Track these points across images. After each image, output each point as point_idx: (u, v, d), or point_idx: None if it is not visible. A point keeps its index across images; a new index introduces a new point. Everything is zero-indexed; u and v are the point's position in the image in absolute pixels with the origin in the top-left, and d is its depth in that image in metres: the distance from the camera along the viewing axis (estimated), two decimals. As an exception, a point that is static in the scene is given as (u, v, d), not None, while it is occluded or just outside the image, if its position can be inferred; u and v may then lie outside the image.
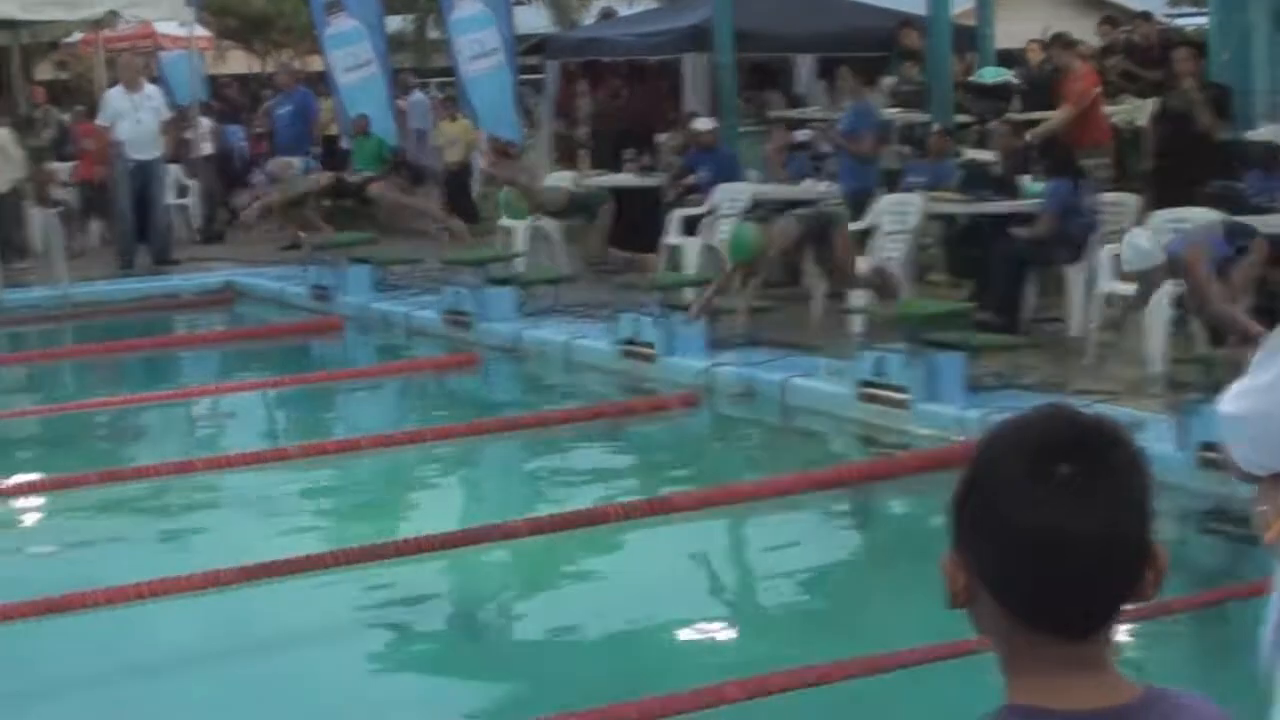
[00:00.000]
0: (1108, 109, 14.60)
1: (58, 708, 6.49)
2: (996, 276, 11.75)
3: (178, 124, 20.09)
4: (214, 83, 26.83)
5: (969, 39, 17.13)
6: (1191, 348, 9.66)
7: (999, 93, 15.77)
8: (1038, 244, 11.69)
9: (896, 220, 12.75)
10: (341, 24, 21.13)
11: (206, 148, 21.49)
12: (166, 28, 24.18)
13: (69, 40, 24.77)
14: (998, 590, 1.88)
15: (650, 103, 19.39)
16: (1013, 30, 19.15)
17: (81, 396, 12.79)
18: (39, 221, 18.97)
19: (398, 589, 7.83)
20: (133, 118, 18.39)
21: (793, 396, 10.79)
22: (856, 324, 11.94)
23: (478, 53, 19.25)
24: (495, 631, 7.63)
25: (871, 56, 17.69)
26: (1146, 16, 18.86)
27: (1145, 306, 9.87)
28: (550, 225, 16.21)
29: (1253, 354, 3.16)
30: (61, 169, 20.63)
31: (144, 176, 18.40)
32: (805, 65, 20.66)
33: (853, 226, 13.23)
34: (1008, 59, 17.25)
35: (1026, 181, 12.86)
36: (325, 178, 15.15)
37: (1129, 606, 1.88)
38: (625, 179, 16.92)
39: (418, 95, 23.15)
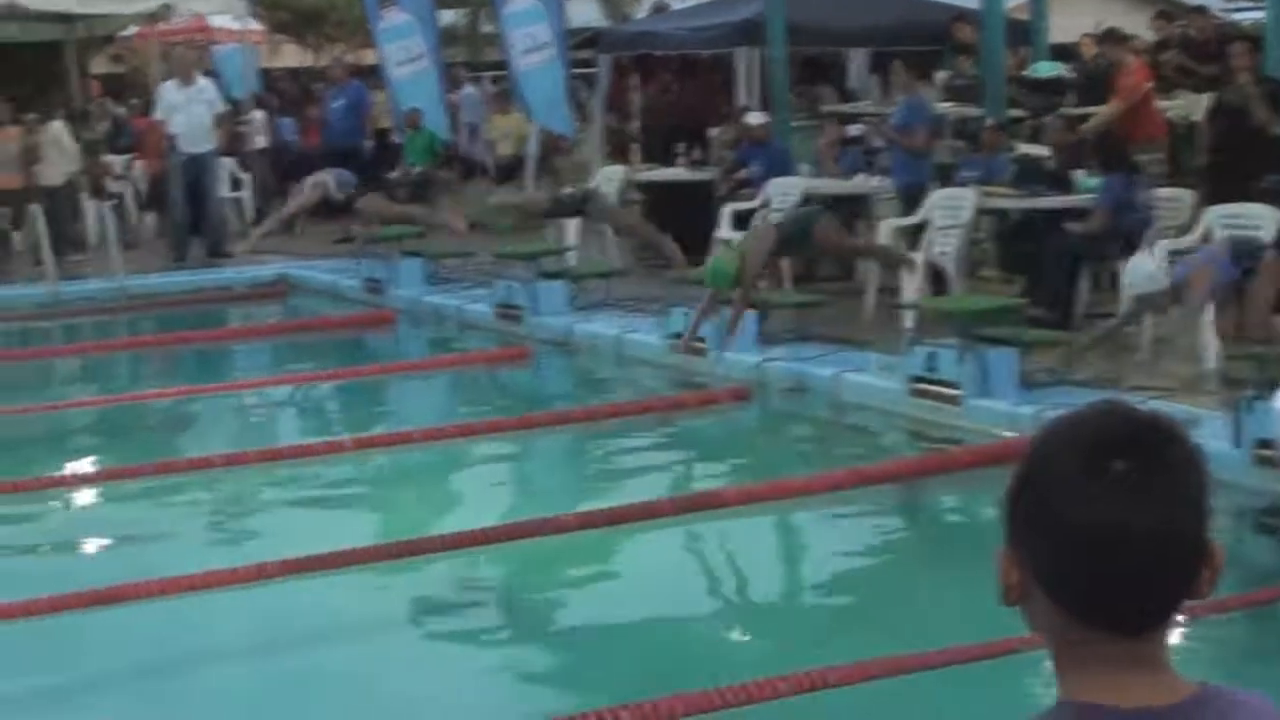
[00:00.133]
0: (1162, 104, 14.51)
1: (106, 699, 6.52)
2: (1049, 272, 11.70)
3: (231, 117, 20.18)
4: (268, 76, 26.93)
5: (1022, 33, 17.04)
6: (1246, 344, 9.58)
7: (1052, 87, 15.70)
8: (1091, 239, 11.64)
9: (949, 215, 12.70)
10: (394, 18, 21.14)
11: (260, 141, 21.60)
12: (220, 21, 24.31)
13: (124, 34, 24.88)
14: (1052, 587, 1.86)
15: (702, 97, 19.35)
16: (1066, 24, 19.04)
17: (135, 388, 12.87)
18: (94, 214, 19.10)
19: (448, 582, 7.86)
20: (186, 111, 18.49)
21: (844, 392, 10.77)
22: (908, 319, 11.90)
23: (530, 47, 19.24)
24: (543, 625, 7.62)
25: (924, 51, 17.62)
26: (1202, 10, 18.74)
27: (1134, 327, 9.61)
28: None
29: None
30: (116, 162, 20.74)
31: (197, 169, 18.50)
32: (858, 59, 20.60)
33: (904, 221, 13.21)
34: (1062, 53, 17.17)
35: (1080, 177, 12.80)
36: (313, 195, 14.96)
37: (1184, 604, 1.87)
38: (676, 173, 16.92)
39: (469, 89, 23.20)
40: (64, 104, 20.79)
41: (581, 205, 11.27)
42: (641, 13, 24.27)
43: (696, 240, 15.02)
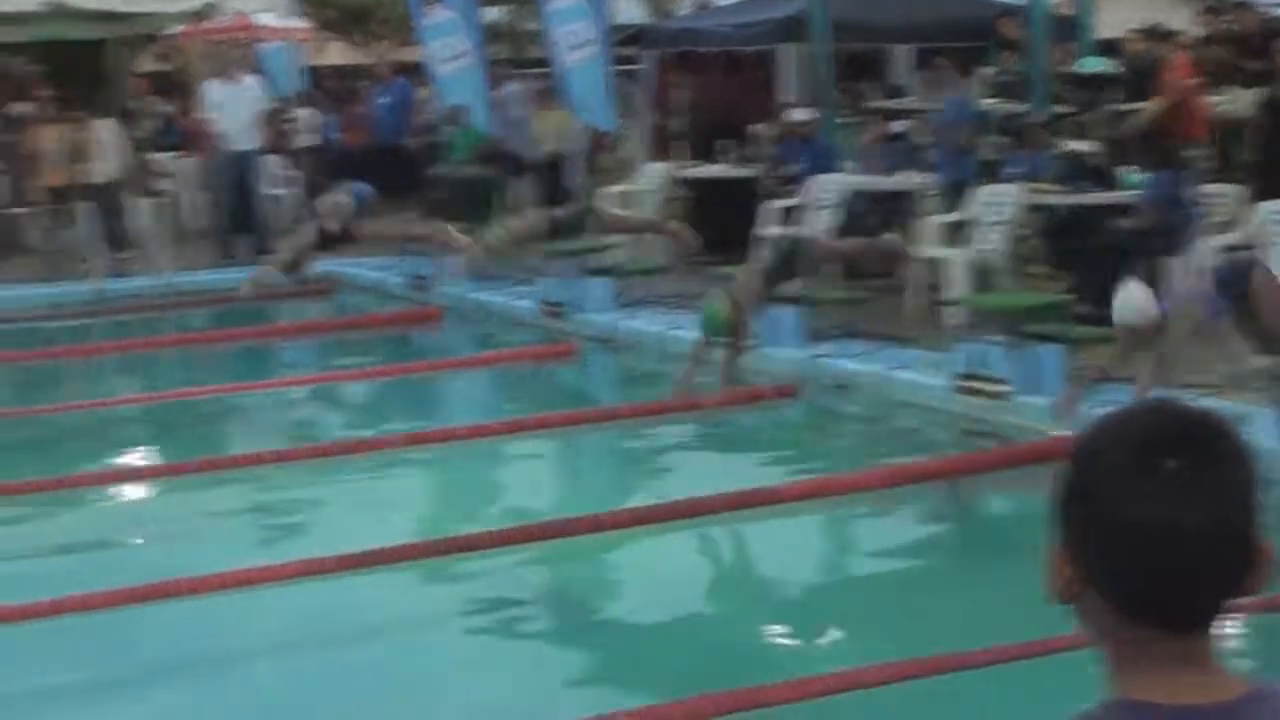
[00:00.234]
0: (1210, 99, 14.44)
1: (155, 693, 6.56)
2: (1096, 268, 11.66)
3: (276, 115, 20.26)
4: (314, 74, 27.00)
5: (1068, 29, 16.97)
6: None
7: (1098, 83, 15.64)
8: (1138, 235, 11.60)
9: (994, 212, 12.68)
10: (438, 15, 21.17)
11: (308, 139, 21.67)
12: (265, 19, 24.39)
13: (169, 33, 24.98)
14: (1103, 585, 1.87)
15: (746, 93, 19.36)
16: (1112, 20, 18.94)
17: (182, 384, 12.92)
18: (141, 212, 19.19)
19: (495, 579, 7.87)
20: (231, 109, 18.58)
21: (890, 389, 10.77)
22: (954, 316, 11.88)
23: (574, 44, 19.25)
24: (591, 622, 7.63)
25: (969, 47, 17.59)
26: (1247, 5, 18.62)
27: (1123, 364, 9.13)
28: (649, 215, 16.21)
29: None
30: (164, 160, 20.84)
31: (243, 167, 18.58)
32: (901, 56, 20.57)
33: (949, 218, 13.18)
34: (1108, 48, 17.10)
35: (1126, 173, 12.75)
36: (312, 234, 14.67)
37: (1235, 601, 1.87)
38: (720, 170, 16.93)
39: (513, 86, 23.18)
40: (111, 102, 20.90)
41: (581, 221, 11.16)
42: (685, 9, 24.25)
43: (739, 237, 15.01)
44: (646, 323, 13.16)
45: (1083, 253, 11.97)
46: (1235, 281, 8.80)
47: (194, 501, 9.53)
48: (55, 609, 7.00)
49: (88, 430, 11.60)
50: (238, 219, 18.81)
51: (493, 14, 26.53)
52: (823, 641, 7.19)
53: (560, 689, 6.61)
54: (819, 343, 11.65)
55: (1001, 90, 16.53)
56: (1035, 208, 13.01)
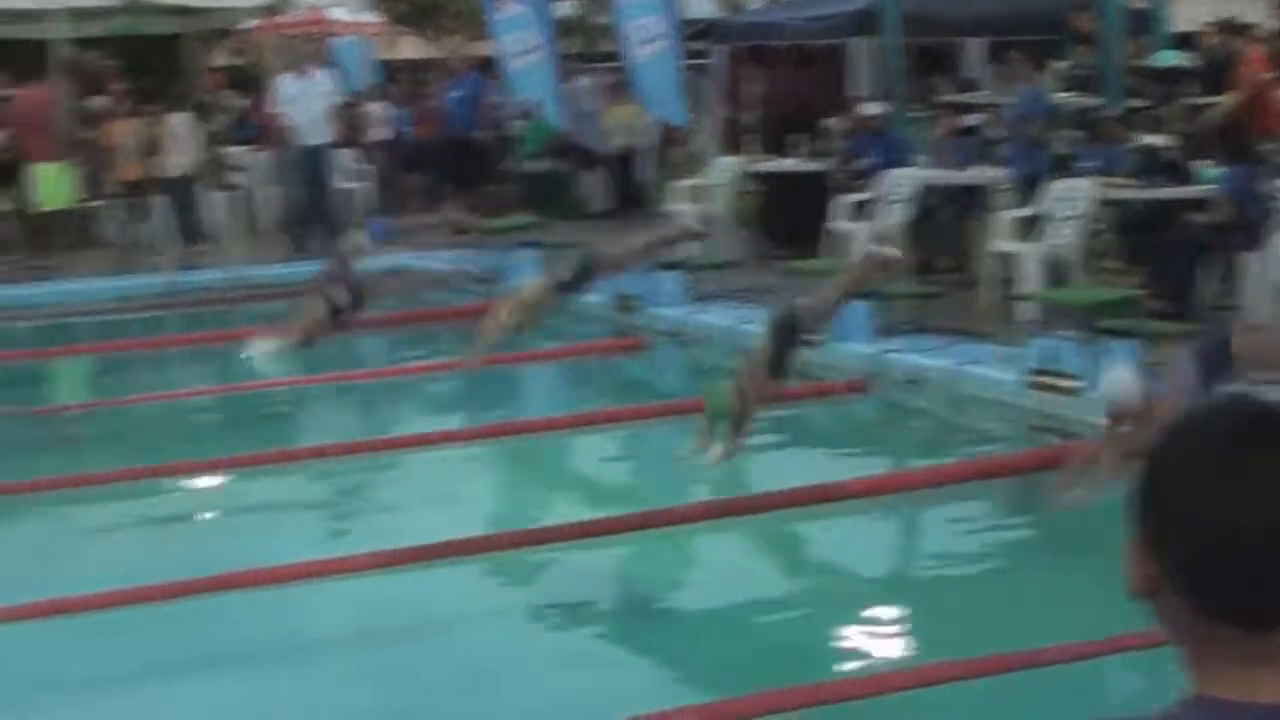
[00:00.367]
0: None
1: (225, 683, 6.59)
2: (1170, 263, 11.58)
3: (348, 109, 20.35)
4: (386, 68, 27.10)
5: (1142, 22, 16.84)
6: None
7: (1173, 76, 15.52)
8: (1213, 230, 11.50)
9: (1068, 206, 12.60)
10: (510, 10, 21.21)
11: (380, 133, 21.76)
12: (338, 14, 24.50)
13: (242, 27, 25.14)
14: (1183, 583, 1.84)
15: (817, 88, 19.30)
16: (1187, 13, 18.79)
17: (255, 377, 12.98)
18: (214, 205, 19.33)
19: (563, 572, 7.88)
20: (304, 103, 18.68)
21: (961, 384, 10.71)
22: (1027, 311, 11.81)
23: (645, 38, 19.25)
24: (658, 616, 7.63)
25: (1042, 40, 17.47)
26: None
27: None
28: (718, 210, 16.20)
29: None
30: (237, 153, 20.97)
31: (315, 161, 18.68)
32: (974, 49, 20.46)
33: (1021, 212, 13.10)
34: (1183, 42, 16.96)
35: (1201, 167, 12.64)
36: (320, 311, 14.04)
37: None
38: (792, 164, 16.89)
39: (584, 80, 23.22)
40: (185, 96, 21.04)
41: (588, 271, 10.92)
42: (756, 3, 24.19)
43: (810, 232, 14.98)
44: (717, 317, 13.14)
45: (1157, 248, 11.89)
46: (1219, 361, 8.28)
47: (266, 493, 9.60)
48: (129, 598, 7.05)
49: (161, 422, 11.70)
50: (310, 213, 18.90)
51: (564, 8, 26.56)
52: (890, 638, 7.16)
53: (626, 683, 6.61)
54: (889, 337, 11.60)
55: (1075, 84, 16.40)
56: (1109, 202, 12.91)
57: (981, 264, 13.16)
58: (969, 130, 16.49)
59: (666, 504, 8.51)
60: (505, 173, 21.31)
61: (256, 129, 21.09)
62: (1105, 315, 10.21)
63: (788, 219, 16.27)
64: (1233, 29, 14.70)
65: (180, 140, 19.15)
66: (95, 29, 20.98)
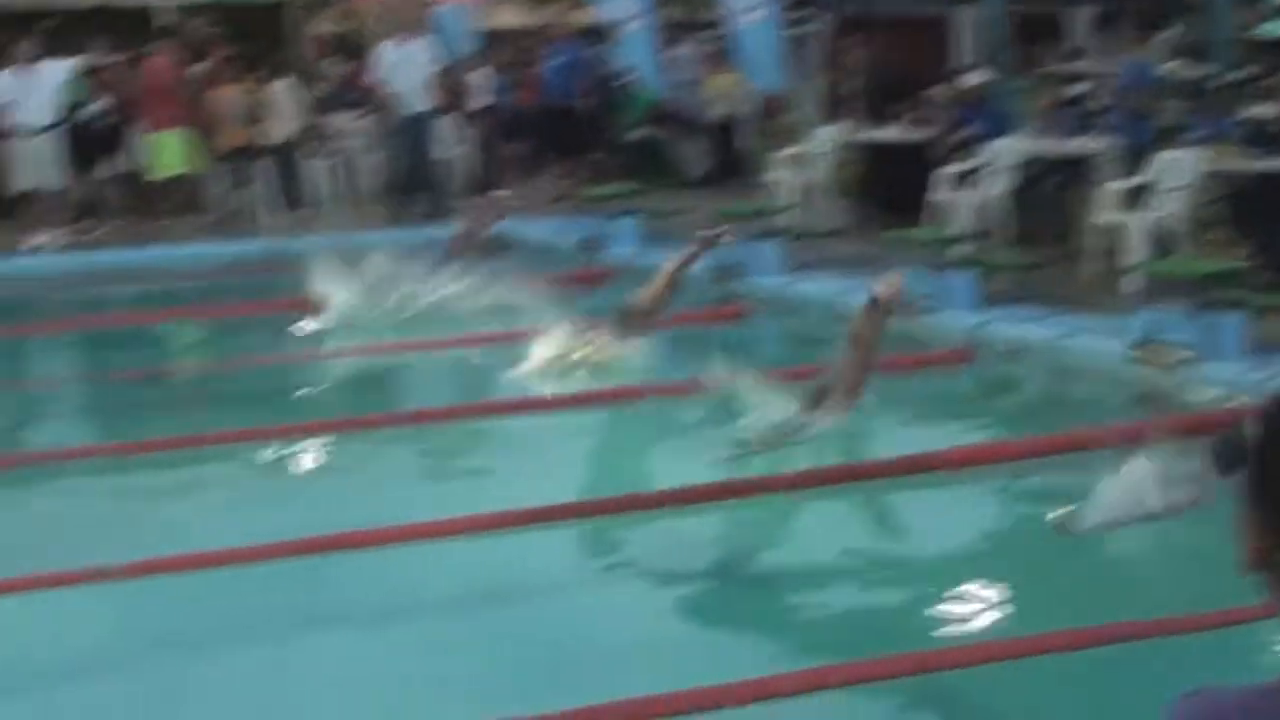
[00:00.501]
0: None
1: (330, 643, 6.64)
2: (1278, 234, 11.44)
3: (449, 76, 20.40)
4: (488, 36, 27.14)
5: (1252, -8, 16.66)
6: None
7: (1282, 47, 15.33)
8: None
9: (1174, 176, 12.46)
10: (611, -23, 21.20)
11: (481, 100, 21.80)
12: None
13: (345, -6, 25.28)
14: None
15: (920, 56, 19.19)
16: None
17: (354, 341, 13.08)
18: (317, 172, 19.46)
19: (662, 539, 7.89)
20: (406, 70, 18.75)
21: (1065, 355, 10.63)
22: (1132, 282, 11.70)
23: (747, 6, 19.18)
24: (758, 583, 7.62)
25: (1150, 9, 17.29)
26: None
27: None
28: (818, 179, 16.14)
29: None
30: (340, 120, 21.06)
31: (417, 128, 18.75)
32: (1080, 18, 20.27)
33: (1127, 183, 12.97)
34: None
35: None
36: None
37: None
38: (894, 134, 16.80)
39: (685, 48, 23.17)
40: (289, 63, 21.17)
41: (628, 321, 10.73)
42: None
43: (912, 201, 14.91)
44: (817, 286, 13.10)
45: (1265, 219, 11.74)
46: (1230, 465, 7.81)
47: (368, 456, 9.67)
48: (233, 558, 7.13)
49: (266, 385, 11.80)
50: (411, 180, 18.99)
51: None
52: (989, 609, 7.12)
53: (723, 650, 6.61)
54: (993, 308, 11.53)
55: (1182, 53, 16.23)
56: (1216, 173, 12.77)
57: (1085, 235, 13.04)
58: (1074, 100, 16.34)
59: (764, 473, 8.50)
60: (605, 141, 21.31)
61: (358, 96, 21.18)
62: (1211, 286, 10.10)
63: (889, 188, 16.19)
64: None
65: (282, 107, 19.30)
66: (200, -4, 21.17)
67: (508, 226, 17.05)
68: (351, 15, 27.18)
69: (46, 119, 18.50)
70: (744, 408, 9.20)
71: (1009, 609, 7.04)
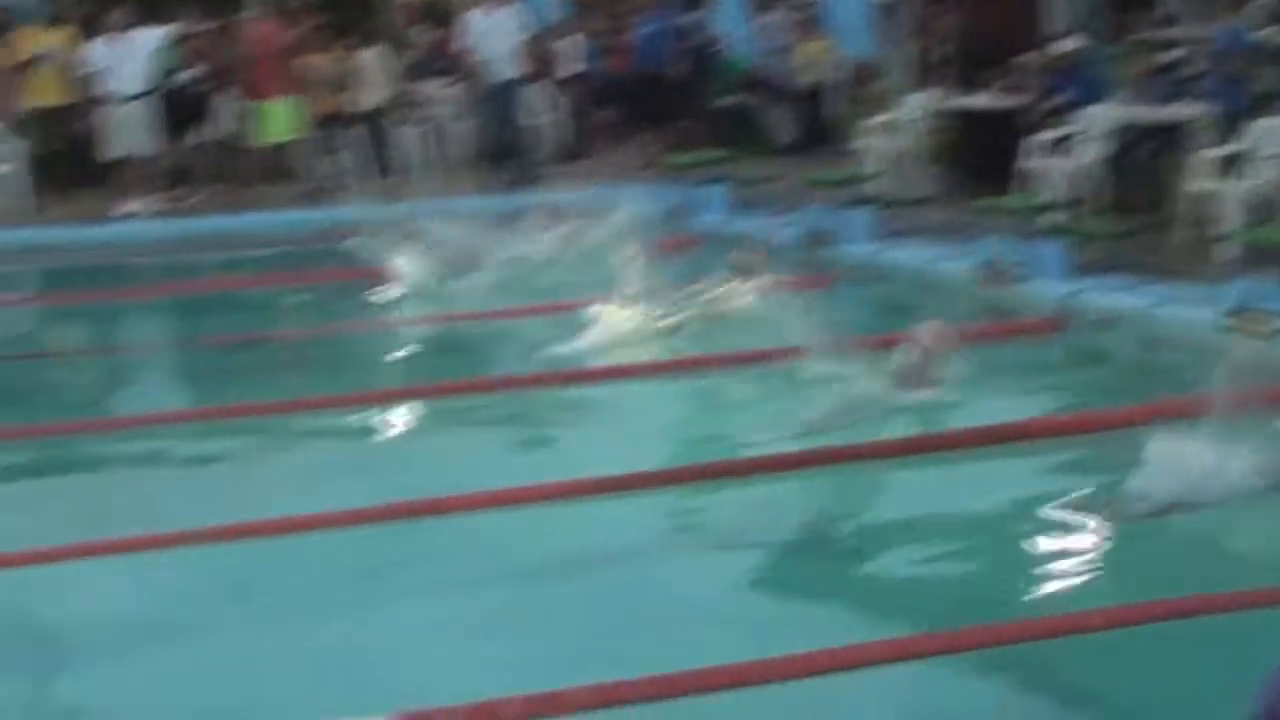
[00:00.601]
0: None
1: (413, 607, 6.67)
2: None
3: (539, 44, 20.39)
4: (579, 3, 27.11)
5: (1353, -45, 16.38)
6: None
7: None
8: None
9: (1271, 144, 12.30)
10: (703, -57, 21.16)
11: (571, 67, 21.78)
12: (530, -53, 24.52)
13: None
14: None
15: (1012, 22, 18.99)
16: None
17: (445, 308, 13.13)
18: (406, 139, 19.51)
19: (749, 507, 7.87)
20: (494, 38, 18.75)
21: (1157, 324, 10.52)
22: (1226, 251, 11.57)
23: (838, -28, 19.12)
24: (846, 551, 7.59)
25: (1247, -26, 17.04)
26: None
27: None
28: (911, 145, 16.03)
29: None
30: (429, 87, 21.10)
31: (505, 96, 18.75)
32: (1175, -17, 20.01)
33: (1222, 150, 12.81)
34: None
35: None
36: None
37: None
38: (985, 100, 16.67)
39: (776, 15, 23.07)
40: (378, 30, 21.23)
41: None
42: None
43: (1002, 169, 14.78)
44: (909, 254, 13.02)
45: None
46: None
47: (455, 421, 9.71)
48: (322, 523, 7.18)
49: (355, 352, 11.87)
50: (500, 147, 19.00)
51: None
52: (1079, 578, 7.06)
53: (809, 618, 6.59)
54: (1085, 276, 11.42)
55: (1279, 19, 16.00)
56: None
57: (1179, 203, 12.89)
58: (1168, 67, 16.13)
59: (850, 441, 8.46)
60: (695, 108, 21.24)
61: (447, 63, 21.20)
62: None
63: (980, 156, 16.06)
64: None
65: (372, 75, 19.35)
66: (291, -38, 21.22)
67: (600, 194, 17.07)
68: (441, -18, 27.26)
69: (139, 86, 18.64)
70: (830, 377, 9.17)
71: (1099, 579, 6.99)
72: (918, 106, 17.14)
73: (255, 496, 8.00)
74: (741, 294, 11.74)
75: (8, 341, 13.22)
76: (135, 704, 5.78)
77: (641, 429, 9.43)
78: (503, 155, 18.91)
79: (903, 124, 17.03)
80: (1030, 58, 17.03)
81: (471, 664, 5.97)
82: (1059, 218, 12.84)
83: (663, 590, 6.85)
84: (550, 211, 15.31)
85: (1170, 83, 15.48)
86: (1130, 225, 12.61)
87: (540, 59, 20.36)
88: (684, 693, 5.42)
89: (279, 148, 19.38)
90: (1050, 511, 8.03)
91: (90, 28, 19.18)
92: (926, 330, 9.45)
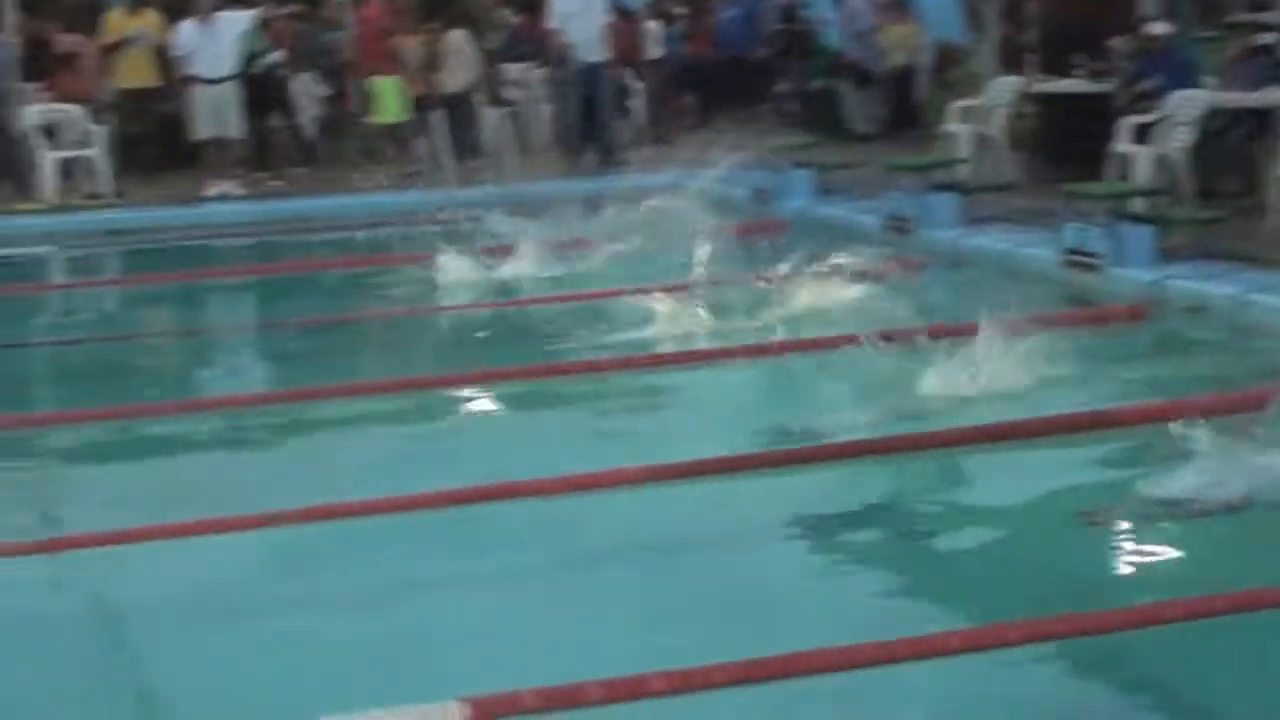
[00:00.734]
0: None
1: (490, 593, 6.67)
2: None
3: (626, 26, 20.38)
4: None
5: None
6: None
7: None
8: None
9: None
10: (788, -73, 21.07)
11: (655, 50, 21.77)
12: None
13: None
14: None
15: (1102, 5, 18.81)
16: None
17: (526, 291, 13.15)
18: (491, 121, 19.54)
19: (827, 492, 7.84)
20: (580, 20, 18.75)
21: (1247, 312, 10.39)
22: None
23: (925, -45, 18.99)
24: (928, 538, 7.54)
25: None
26: None
27: None
28: (993, 132, 15.92)
29: None
30: (513, 70, 21.14)
31: (590, 79, 18.75)
32: (1268, -34, 19.77)
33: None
34: None
35: None
36: None
37: None
38: (1074, 85, 16.52)
39: (862, -1, 23.01)
40: (464, 13, 21.27)
41: None
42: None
43: (1089, 154, 14.64)
44: (993, 240, 12.92)
45: None
46: None
47: (537, 405, 9.71)
48: (398, 506, 7.18)
49: (436, 333, 11.89)
50: (584, 131, 19.01)
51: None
52: (1160, 567, 6.98)
53: (889, 605, 6.55)
54: (1172, 263, 11.30)
55: (1376, 2, 15.78)
56: None
57: (1270, 189, 12.73)
58: (1261, 50, 15.93)
59: (932, 428, 8.40)
60: (779, 92, 21.19)
61: (532, 47, 21.24)
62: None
63: (1066, 141, 15.93)
64: None
65: (458, 57, 19.39)
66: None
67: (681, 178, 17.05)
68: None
69: (226, 69, 18.76)
70: (916, 362, 9.13)
71: (1180, 569, 6.91)
72: (1005, 91, 17.02)
73: (335, 479, 8.02)
74: (823, 279, 11.67)
75: (93, 323, 13.34)
76: (210, 685, 5.80)
77: (721, 414, 9.41)
78: (586, 139, 18.92)
79: (988, 109, 16.91)
80: (1119, 41, 16.87)
81: (547, 649, 5.96)
82: (1146, 204, 12.71)
83: (743, 576, 6.83)
84: (634, 195, 15.32)
85: (1263, 66, 15.28)
86: (1219, 211, 12.46)
87: (627, 42, 20.34)
88: (762, 679, 5.39)
89: (394, 127, 19.38)
90: (1134, 500, 7.95)
91: (173, 11, 19.32)
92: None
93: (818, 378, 10.27)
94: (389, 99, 19.09)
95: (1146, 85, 14.92)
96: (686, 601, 6.49)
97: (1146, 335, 10.84)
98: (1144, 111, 14.52)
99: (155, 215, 17.47)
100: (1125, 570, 6.98)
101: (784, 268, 12.07)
